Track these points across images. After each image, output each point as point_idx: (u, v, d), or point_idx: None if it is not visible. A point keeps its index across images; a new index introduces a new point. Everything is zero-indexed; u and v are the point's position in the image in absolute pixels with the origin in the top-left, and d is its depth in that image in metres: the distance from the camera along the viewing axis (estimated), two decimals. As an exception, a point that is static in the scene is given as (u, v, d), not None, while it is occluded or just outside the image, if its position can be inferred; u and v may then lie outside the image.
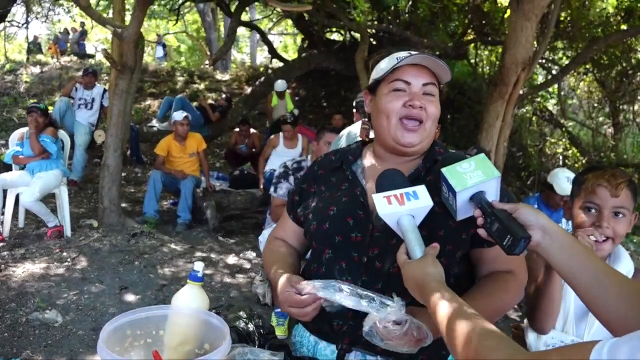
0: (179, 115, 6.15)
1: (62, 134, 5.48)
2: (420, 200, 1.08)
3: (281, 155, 6.31)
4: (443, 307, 0.90)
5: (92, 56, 15.36)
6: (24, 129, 5.14)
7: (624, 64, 9.07)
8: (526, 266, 1.33)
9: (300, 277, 1.25)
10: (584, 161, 9.82)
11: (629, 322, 0.84)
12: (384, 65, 1.33)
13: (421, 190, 1.10)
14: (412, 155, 1.35)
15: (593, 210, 1.54)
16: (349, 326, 1.24)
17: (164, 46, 17.57)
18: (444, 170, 1.08)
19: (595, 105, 10.90)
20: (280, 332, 3.35)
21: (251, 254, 5.14)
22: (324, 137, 3.70)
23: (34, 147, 4.90)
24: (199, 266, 1.23)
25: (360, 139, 1.82)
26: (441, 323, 0.89)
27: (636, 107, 10.52)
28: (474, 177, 1.05)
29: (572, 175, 4.11)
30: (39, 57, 13.53)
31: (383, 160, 1.38)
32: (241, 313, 1.39)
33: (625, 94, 9.73)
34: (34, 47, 15.27)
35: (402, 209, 1.07)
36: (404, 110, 1.28)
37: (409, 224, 1.07)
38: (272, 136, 6.71)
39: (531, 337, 1.62)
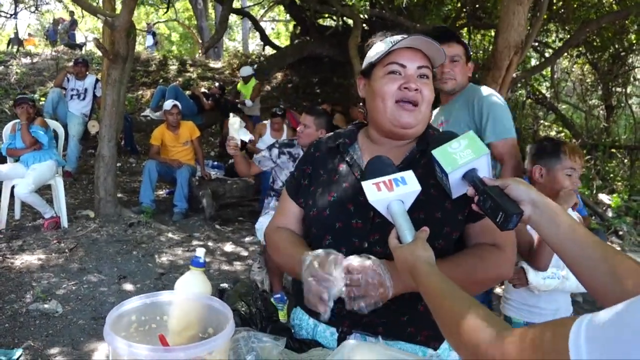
0: (168, 105, 6.13)
1: (56, 124, 5.46)
2: (409, 185, 1.10)
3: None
4: (433, 288, 0.93)
5: (83, 45, 15.19)
6: (16, 121, 5.11)
7: (617, 46, 9.08)
8: (516, 241, 1.36)
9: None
10: (577, 143, 9.87)
11: (613, 292, 0.87)
12: (378, 48, 1.34)
13: (409, 175, 1.11)
14: (408, 139, 1.36)
15: (572, 175, 2.03)
16: (349, 313, 1.25)
17: (154, 35, 17.41)
18: (434, 152, 1.10)
19: (589, 87, 10.92)
20: (280, 317, 3.38)
21: (248, 242, 5.16)
22: (300, 118, 3.71)
23: (25, 138, 4.87)
24: (200, 252, 1.25)
25: (358, 120, 1.82)
26: (432, 304, 0.92)
27: (629, 89, 10.55)
28: (464, 156, 1.07)
29: None
30: (29, 47, 13.36)
31: (378, 144, 1.39)
32: (242, 298, 1.41)
33: (618, 76, 9.75)
34: (13, 43, 14.94)
35: (391, 194, 1.09)
36: (400, 93, 1.28)
37: (398, 209, 1.09)
38: (260, 124, 6.76)
39: (532, 273, 2.06)
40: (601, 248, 0.94)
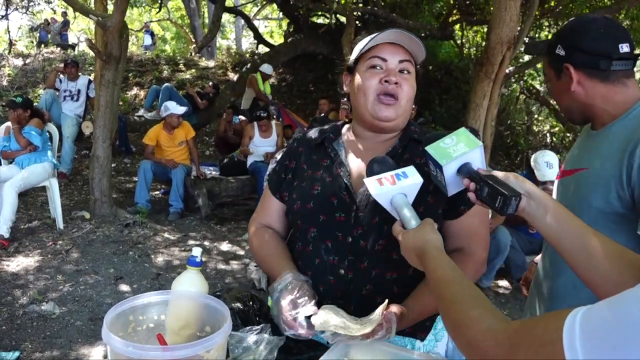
0: (177, 109, 6.05)
1: (50, 126, 5.43)
2: (410, 178, 1.11)
3: (257, 145, 6.50)
4: (441, 274, 0.92)
5: (76, 46, 15.11)
6: (10, 123, 5.09)
7: (609, 40, 9.08)
8: (488, 242, 1.38)
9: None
10: (570, 138, 9.91)
11: (613, 284, 0.86)
12: (361, 44, 1.36)
13: (410, 169, 1.13)
14: (390, 132, 1.39)
15: None
16: (338, 305, 1.26)
17: (152, 34, 17.33)
18: (428, 148, 1.11)
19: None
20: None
21: (244, 241, 5.17)
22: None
23: (19, 140, 4.88)
24: (197, 251, 1.26)
25: (341, 119, 1.84)
26: (437, 289, 0.91)
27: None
28: (457, 149, 1.08)
29: (552, 159, 4.07)
30: (21, 49, 13.29)
31: (362, 139, 1.41)
32: (239, 298, 1.42)
33: (610, 70, 9.76)
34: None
35: (394, 188, 1.10)
36: (380, 86, 1.31)
37: (402, 201, 1.10)
38: (248, 126, 6.74)
39: None
40: (599, 240, 0.92)
